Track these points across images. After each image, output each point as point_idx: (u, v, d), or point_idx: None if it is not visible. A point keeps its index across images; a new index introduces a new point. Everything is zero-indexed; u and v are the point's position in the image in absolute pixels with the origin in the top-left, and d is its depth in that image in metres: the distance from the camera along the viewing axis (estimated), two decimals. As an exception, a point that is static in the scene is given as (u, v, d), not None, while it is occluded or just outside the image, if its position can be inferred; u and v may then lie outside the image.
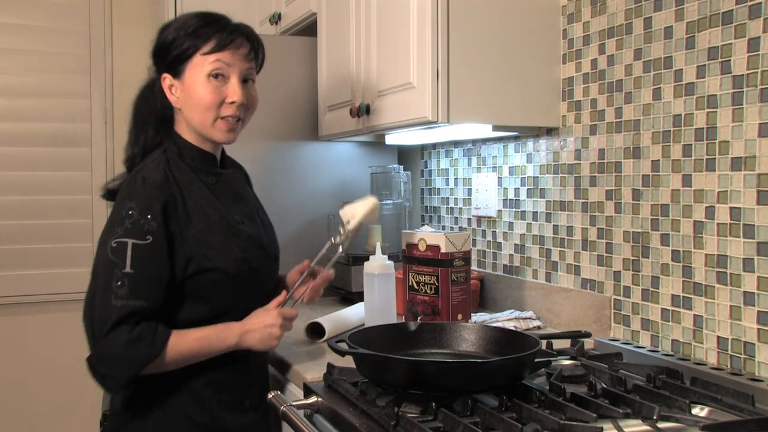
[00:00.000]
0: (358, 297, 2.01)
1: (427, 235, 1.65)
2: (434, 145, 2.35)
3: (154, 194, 1.32)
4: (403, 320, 1.68)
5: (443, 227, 2.32)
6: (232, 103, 1.40)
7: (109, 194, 1.46)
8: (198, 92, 1.38)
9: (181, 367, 1.34)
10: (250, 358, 1.45)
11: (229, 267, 1.38)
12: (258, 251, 1.47)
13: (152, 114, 1.47)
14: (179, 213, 1.35)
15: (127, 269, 1.28)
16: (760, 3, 1.28)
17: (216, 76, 1.38)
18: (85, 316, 1.32)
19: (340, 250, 1.53)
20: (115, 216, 1.32)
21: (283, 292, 1.46)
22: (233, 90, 1.39)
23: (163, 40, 1.41)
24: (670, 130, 1.48)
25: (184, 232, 1.35)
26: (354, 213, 1.53)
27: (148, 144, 1.46)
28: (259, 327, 1.37)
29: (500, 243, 2.04)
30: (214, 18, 1.40)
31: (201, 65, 1.38)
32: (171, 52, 1.39)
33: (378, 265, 1.66)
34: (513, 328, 1.63)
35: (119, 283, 1.27)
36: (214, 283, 1.37)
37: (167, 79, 1.42)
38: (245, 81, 1.43)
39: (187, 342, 1.32)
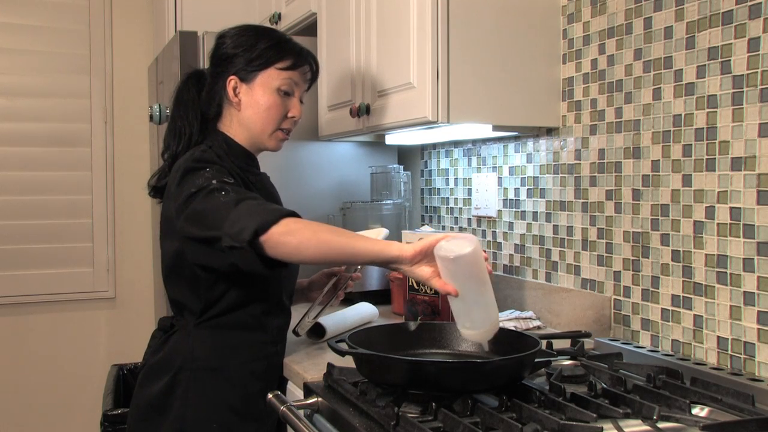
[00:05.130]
0: (358, 297, 2.01)
1: (427, 235, 1.64)
2: (434, 145, 2.35)
3: (222, 163, 1.42)
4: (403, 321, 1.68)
5: (443, 227, 2.32)
6: (292, 117, 1.54)
7: (156, 192, 1.55)
8: (266, 101, 1.50)
9: (309, 259, 1.26)
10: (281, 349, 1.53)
11: None
12: None
13: (193, 106, 1.53)
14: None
15: (224, 183, 1.33)
16: (760, 3, 1.28)
17: (284, 91, 1.51)
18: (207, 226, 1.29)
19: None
20: (192, 178, 1.36)
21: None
22: (295, 106, 1.54)
23: (236, 46, 1.49)
24: (670, 130, 1.48)
25: None
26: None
27: (192, 139, 1.51)
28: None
29: (500, 243, 2.04)
30: (286, 37, 1.54)
31: (274, 77, 1.50)
32: (243, 58, 1.48)
33: None
34: (513, 328, 1.63)
35: (222, 192, 1.31)
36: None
37: (233, 81, 1.50)
38: (300, 100, 1.56)
39: (338, 229, 1.29)
